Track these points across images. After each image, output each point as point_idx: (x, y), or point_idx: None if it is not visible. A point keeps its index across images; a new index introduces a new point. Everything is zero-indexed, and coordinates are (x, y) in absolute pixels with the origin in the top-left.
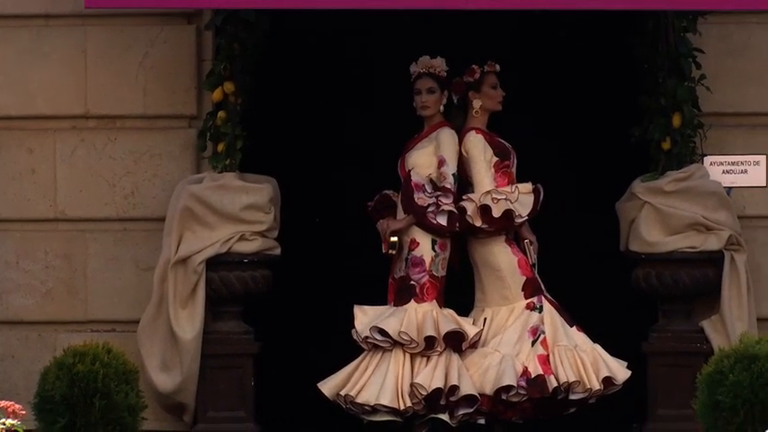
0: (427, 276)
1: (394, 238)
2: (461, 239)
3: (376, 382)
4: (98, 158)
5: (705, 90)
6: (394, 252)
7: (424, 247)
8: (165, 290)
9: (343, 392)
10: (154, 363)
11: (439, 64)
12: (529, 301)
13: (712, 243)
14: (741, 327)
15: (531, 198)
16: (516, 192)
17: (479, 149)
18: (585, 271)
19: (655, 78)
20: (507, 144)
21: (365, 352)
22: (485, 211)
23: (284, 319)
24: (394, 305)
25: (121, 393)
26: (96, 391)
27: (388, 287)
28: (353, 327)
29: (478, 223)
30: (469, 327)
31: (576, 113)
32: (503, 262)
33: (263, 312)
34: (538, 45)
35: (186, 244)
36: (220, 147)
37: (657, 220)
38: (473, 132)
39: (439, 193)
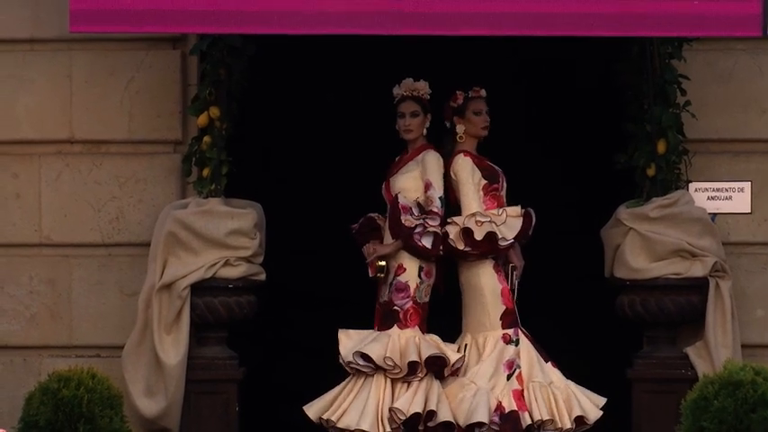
0: (411, 302)
1: (382, 263)
2: (447, 264)
3: (357, 408)
4: (83, 183)
5: (690, 116)
6: (382, 276)
7: (411, 273)
8: (150, 315)
9: (325, 417)
10: (138, 388)
11: (422, 87)
12: (505, 332)
13: (697, 270)
14: (726, 353)
15: (519, 222)
16: (504, 215)
17: (467, 172)
18: (570, 295)
19: (640, 105)
20: (497, 167)
21: (350, 376)
22: (467, 233)
23: (269, 344)
24: (378, 330)
25: (106, 418)
26: (81, 416)
27: (375, 311)
28: (339, 351)
29: (461, 246)
30: (452, 353)
31: (563, 139)
32: (486, 285)
33: (248, 337)
34: (522, 72)
35: (171, 269)
36: (205, 172)
37: (642, 246)
38: (461, 155)
39: (426, 215)
